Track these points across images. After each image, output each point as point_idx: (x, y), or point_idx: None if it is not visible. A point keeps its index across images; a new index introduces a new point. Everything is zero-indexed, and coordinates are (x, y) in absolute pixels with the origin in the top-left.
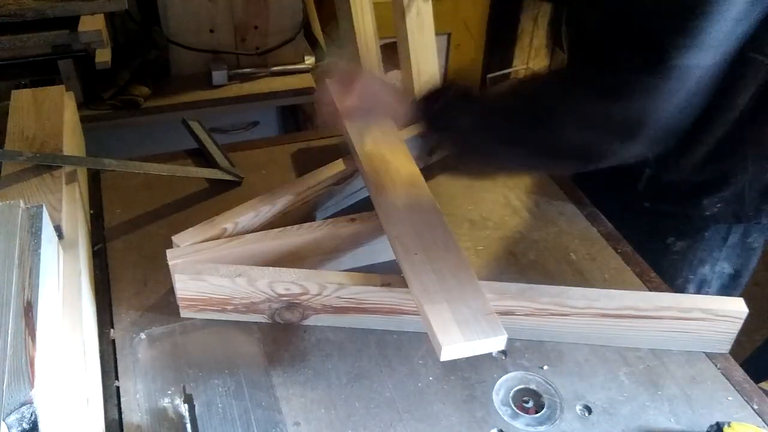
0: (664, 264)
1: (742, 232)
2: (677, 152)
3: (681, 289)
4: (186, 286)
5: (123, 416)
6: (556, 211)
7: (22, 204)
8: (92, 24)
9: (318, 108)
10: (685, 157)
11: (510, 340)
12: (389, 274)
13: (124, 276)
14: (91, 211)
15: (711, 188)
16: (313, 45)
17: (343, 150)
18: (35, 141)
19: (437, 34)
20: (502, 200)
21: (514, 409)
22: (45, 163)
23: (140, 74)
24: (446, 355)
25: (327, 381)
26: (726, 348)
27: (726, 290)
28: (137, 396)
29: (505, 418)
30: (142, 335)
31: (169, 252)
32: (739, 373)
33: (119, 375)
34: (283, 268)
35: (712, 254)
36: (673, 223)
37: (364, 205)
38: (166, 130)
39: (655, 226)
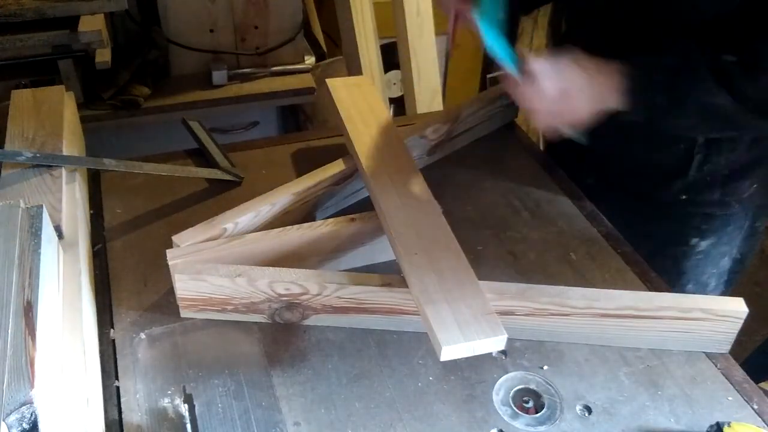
0: (687, 265)
1: (752, 217)
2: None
3: (704, 286)
4: (186, 286)
5: (123, 416)
6: (556, 211)
7: (22, 204)
8: (92, 24)
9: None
10: (742, 137)
11: (510, 340)
12: (389, 274)
13: (124, 276)
14: (91, 211)
15: (753, 168)
16: (313, 45)
17: (343, 150)
18: (35, 141)
19: (437, 34)
20: (502, 200)
21: (514, 409)
22: (45, 163)
23: (140, 74)
24: (446, 355)
25: (327, 381)
26: (726, 348)
27: (733, 275)
28: (137, 396)
29: (505, 418)
30: (142, 335)
31: (169, 252)
32: (739, 373)
33: (119, 375)
34: (283, 268)
35: (731, 245)
36: (697, 224)
37: (364, 205)
38: (166, 130)
39: (679, 230)
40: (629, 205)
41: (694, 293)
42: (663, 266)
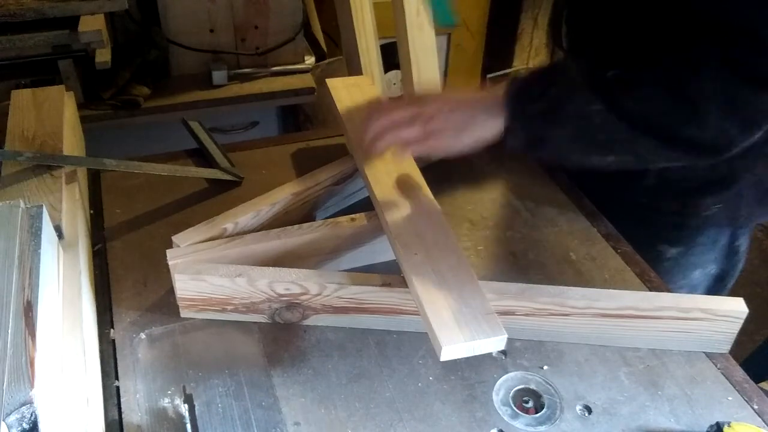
0: (657, 271)
1: (729, 235)
2: None
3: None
4: (186, 286)
5: (123, 416)
6: (556, 211)
7: (22, 204)
8: (92, 24)
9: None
10: None
11: (510, 340)
12: (389, 274)
13: (124, 276)
14: (91, 211)
15: (715, 187)
16: (313, 45)
17: (343, 150)
18: (35, 141)
19: (437, 34)
20: (502, 200)
21: (514, 409)
22: (45, 163)
23: (140, 74)
24: (446, 355)
25: (327, 381)
26: (726, 348)
27: (711, 292)
28: (137, 396)
29: (505, 418)
30: (142, 335)
31: (169, 252)
32: (739, 373)
33: (119, 375)
34: (283, 268)
35: (703, 257)
36: (665, 231)
37: (364, 205)
38: (166, 130)
39: (647, 233)
40: (604, 205)
41: None
42: None
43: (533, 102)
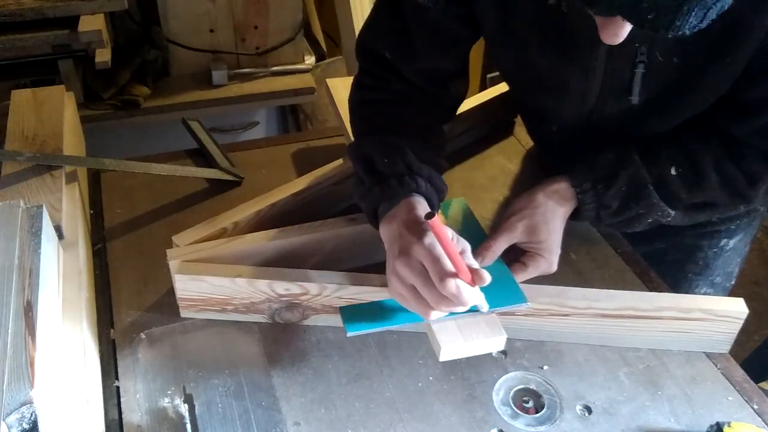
0: (717, 263)
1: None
2: None
3: (729, 280)
4: (186, 286)
5: (123, 416)
6: None
7: (22, 204)
8: (92, 24)
9: None
10: None
11: (510, 340)
12: None
13: (124, 276)
14: (91, 211)
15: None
16: (313, 45)
17: (343, 150)
18: (35, 141)
19: None
20: (501, 200)
21: (514, 409)
22: (45, 163)
23: (140, 74)
24: (445, 355)
25: (327, 381)
26: (726, 348)
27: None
28: (137, 396)
29: (505, 418)
30: (142, 335)
31: (169, 252)
32: (739, 373)
33: (119, 375)
34: (283, 268)
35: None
36: (724, 226)
37: None
38: (166, 130)
39: (709, 232)
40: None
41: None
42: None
43: (612, 216)
